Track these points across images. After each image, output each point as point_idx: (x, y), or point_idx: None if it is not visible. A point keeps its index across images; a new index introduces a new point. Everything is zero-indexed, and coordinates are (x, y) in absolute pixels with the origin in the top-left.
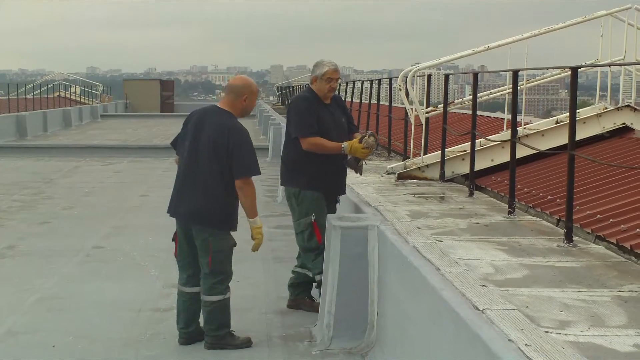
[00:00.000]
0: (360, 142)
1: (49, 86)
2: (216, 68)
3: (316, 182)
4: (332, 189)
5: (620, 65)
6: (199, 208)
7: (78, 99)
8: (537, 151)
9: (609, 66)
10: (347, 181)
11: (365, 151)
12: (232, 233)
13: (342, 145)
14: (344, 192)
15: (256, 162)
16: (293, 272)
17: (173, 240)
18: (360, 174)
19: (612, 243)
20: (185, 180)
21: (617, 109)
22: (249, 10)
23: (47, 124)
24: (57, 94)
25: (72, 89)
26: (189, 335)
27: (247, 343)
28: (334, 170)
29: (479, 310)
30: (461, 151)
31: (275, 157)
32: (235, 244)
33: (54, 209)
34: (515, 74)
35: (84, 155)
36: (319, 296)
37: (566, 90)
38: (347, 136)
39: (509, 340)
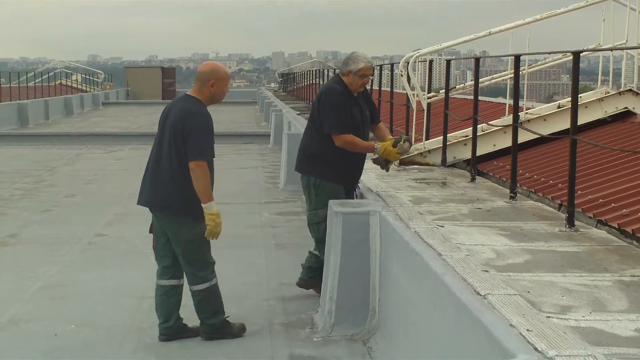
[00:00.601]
0: (394, 145)
1: (50, 74)
2: (217, 55)
3: (337, 173)
4: (351, 180)
5: (622, 49)
6: (163, 197)
7: (80, 86)
8: (539, 136)
9: (611, 50)
10: None
11: (398, 155)
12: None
13: (375, 146)
14: (357, 184)
15: (210, 146)
16: (312, 254)
17: (150, 232)
18: (387, 171)
19: (614, 227)
20: (151, 169)
21: (619, 93)
22: None
23: (49, 112)
24: (58, 82)
25: (74, 77)
26: (170, 330)
27: (242, 330)
28: (355, 163)
29: (481, 295)
30: (463, 136)
31: (276, 144)
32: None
33: (56, 197)
34: (517, 59)
35: (85, 143)
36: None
37: (568, 75)
38: (369, 129)
39: (511, 325)
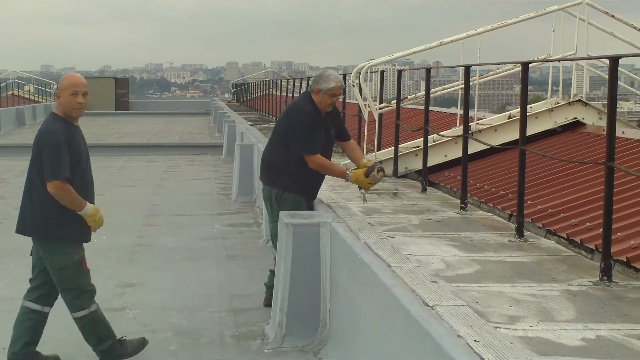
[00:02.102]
0: (367, 175)
1: (2, 85)
2: (171, 65)
3: (299, 186)
4: (311, 193)
5: (571, 60)
6: (31, 221)
7: (32, 97)
8: (489, 146)
9: (559, 61)
10: None
11: (370, 185)
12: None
13: (347, 173)
14: (316, 196)
15: (63, 164)
16: (273, 272)
17: (31, 254)
18: (363, 197)
19: (563, 237)
20: (23, 192)
21: (569, 103)
22: (205, 7)
23: (1, 122)
24: (10, 92)
25: (26, 88)
26: (14, 357)
27: (141, 345)
28: (316, 177)
29: (429, 306)
30: (414, 147)
31: (229, 155)
32: (83, 257)
33: (6, 209)
34: (467, 69)
35: None
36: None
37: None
38: (332, 148)
39: (458, 336)
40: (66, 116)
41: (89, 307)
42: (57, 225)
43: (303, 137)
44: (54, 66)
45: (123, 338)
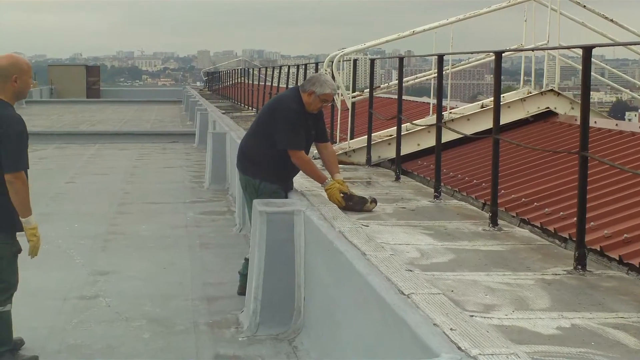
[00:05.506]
0: (357, 204)
1: None
2: (142, 53)
3: (277, 176)
4: (289, 184)
5: (543, 49)
6: None
7: None
8: (462, 135)
9: (532, 51)
10: None
11: (340, 204)
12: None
13: (326, 180)
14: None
15: (26, 154)
16: (247, 259)
17: None
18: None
19: (537, 226)
20: None
21: (541, 93)
22: None
23: None
24: None
25: None
26: None
27: None
28: (293, 169)
29: (405, 295)
30: (387, 136)
31: (202, 143)
32: (19, 250)
33: None
34: (440, 58)
35: None
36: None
37: (491, 75)
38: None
39: (434, 324)
40: (15, 100)
41: (5, 306)
42: (4, 214)
43: (290, 133)
44: (25, 54)
45: (15, 350)
